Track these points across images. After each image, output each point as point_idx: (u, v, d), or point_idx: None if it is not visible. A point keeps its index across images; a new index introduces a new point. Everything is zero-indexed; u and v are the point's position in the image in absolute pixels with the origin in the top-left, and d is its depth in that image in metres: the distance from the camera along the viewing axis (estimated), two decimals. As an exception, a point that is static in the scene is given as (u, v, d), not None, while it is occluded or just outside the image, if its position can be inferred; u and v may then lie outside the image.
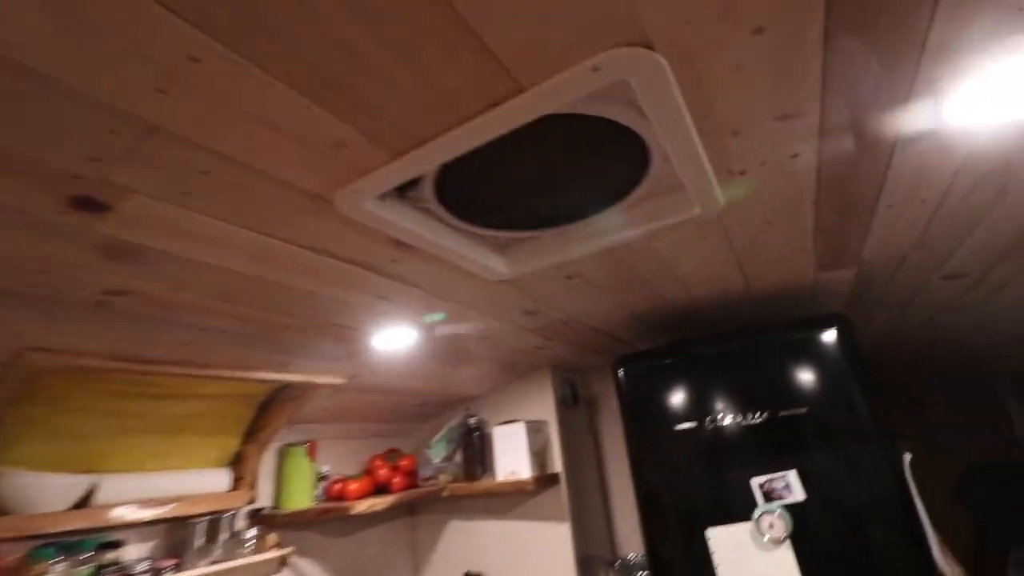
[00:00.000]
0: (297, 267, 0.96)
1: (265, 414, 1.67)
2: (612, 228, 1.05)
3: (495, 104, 0.63)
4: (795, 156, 0.80)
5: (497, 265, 1.15)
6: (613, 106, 0.73)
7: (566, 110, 0.72)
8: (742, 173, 0.84)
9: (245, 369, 1.36)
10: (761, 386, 1.41)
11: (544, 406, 2.08)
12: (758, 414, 1.37)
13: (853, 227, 1.11)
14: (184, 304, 0.99)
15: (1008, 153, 0.81)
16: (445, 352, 1.63)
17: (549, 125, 0.77)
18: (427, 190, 0.87)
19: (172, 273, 0.89)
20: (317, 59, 0.54)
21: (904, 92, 0.67)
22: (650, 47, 0.56)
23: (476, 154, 0.82)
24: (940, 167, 0.86)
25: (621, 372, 1.62)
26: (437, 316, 1.33)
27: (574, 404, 2.19)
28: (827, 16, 0.53)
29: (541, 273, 1.21)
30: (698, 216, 0.98)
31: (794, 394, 1.37)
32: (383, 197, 0.85)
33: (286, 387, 1.55)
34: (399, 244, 0.96)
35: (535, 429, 1.97)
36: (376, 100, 0.60)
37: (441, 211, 0.94)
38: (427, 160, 0.71)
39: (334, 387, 1.57)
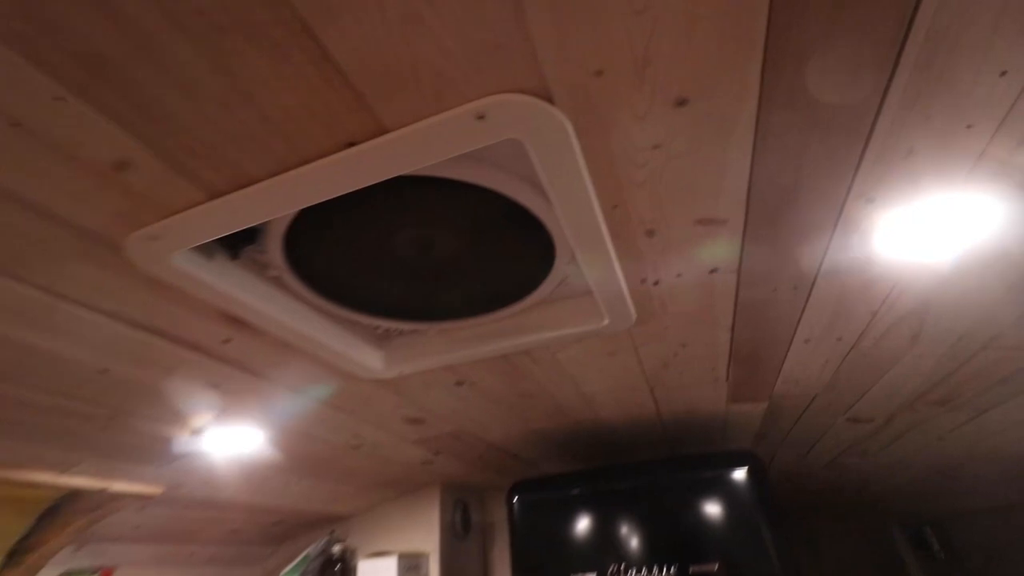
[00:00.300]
0: (79, 334, 0.70)
1: (42, 529, 1.24)
2: (509, 331, 0.90)
3: (350, 143, 0.47)
4: (714, 272, 0.71)
5: (371, 360, 0.94)
6: (512, 181, 0.60)
7: (458, 176, 0.58)
8: (656, 284, 0.73)
9: (10, 468, 1.00)
10: (671, 532, 1.23)
11: (428, 533, 1.75)
12: (667, 569, 1.17)
13: (768, 359, 1.03)
14: None
15: (927, 294, 0.76)
16: (303, 462, 1.33)
17: (440, 196, 0.63)
18: (275, 253, 0.68)
19: None
20: (70, 24, 0.36)
21: (836, 208, 0.59)
22: (549, 99, 0.44)
23: (346, 216, 0.66)
24: (860, 304, 0.80)
25: (515, 501, 1.38)
26: (303, 400, 1.07)
27: (464, 533, 1.88)
28: (761, 96, 0.44)
29: (426, 376, 1.01)
30: (607, 329, 0.85)
31: (705, 544, 1.20)
32: (204, 252, 0.64)
33: (74, 495, 1.17)
34: (233, 320, 0.74)
35: (411, 566, 1.63)
36: (172, 106, 0.43)
37: (295, 283, 0.75)
38: (261, 207, 0.53)
39: (145, 499, 1.21)
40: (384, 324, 0.89)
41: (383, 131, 0.46)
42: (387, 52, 0.40)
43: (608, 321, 0.83)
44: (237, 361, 0.84)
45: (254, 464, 1.27)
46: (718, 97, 0.44)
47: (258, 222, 0.56)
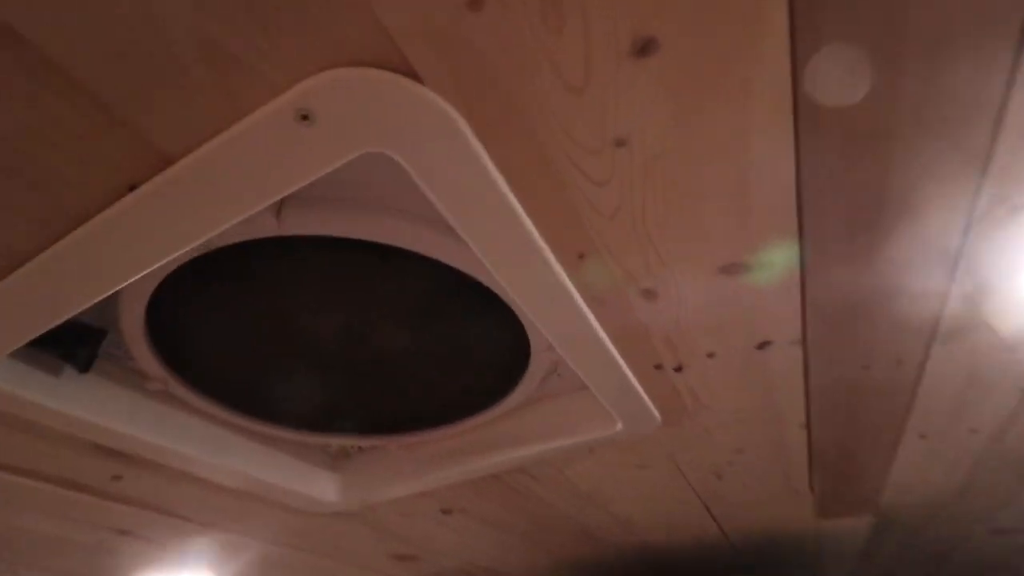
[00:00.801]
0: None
1: None
2: (491, 443, 0.67)
3: (131, 186, 0.30)
4: (765, 346, 0.47)
5: (323, 490, 0.73)
6: (442, 239, 0.41)
7: (365, 235, 0.40)
8: (678, 370, 0.50)
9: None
10: None
11: None
12: None
13: (868, 463, 0.73)
14: None
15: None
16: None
17: (357, 264, 0.45)
18: (142, 354, 0.50)
19: None
20: None
21: (958, 226, 0.36)
22: (412, 74, 0.26)
23: (235, 294, 0.48)
24: (1004, 379, 0.53)
25: (546, 661, 1.06)
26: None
27: None
28: (796, 29, 0.24)
29: (402, 504, 0.78)
30: (623, 435, 0.60)
31: None
32: (42, 365, 0.48)
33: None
34: (113, 452, 0.56)
35: None
36: None
37: (190, 395, 0.56)
38: (50, 294, 0.36)
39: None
40: (330, 440, 0.68)
41: (166, 161, 0.29)
42: (120, 34, 0.23)
43: (622, 426, 0.59)
44: (139, 501, 0.65)
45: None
46: (705, 33, 0.25)
47: (59, 317, 0.38)
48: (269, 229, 0.39)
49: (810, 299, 0.40)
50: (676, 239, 0.35)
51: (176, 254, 0.34)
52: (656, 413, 0.57)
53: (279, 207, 0.38)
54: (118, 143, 0.29)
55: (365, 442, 0.69)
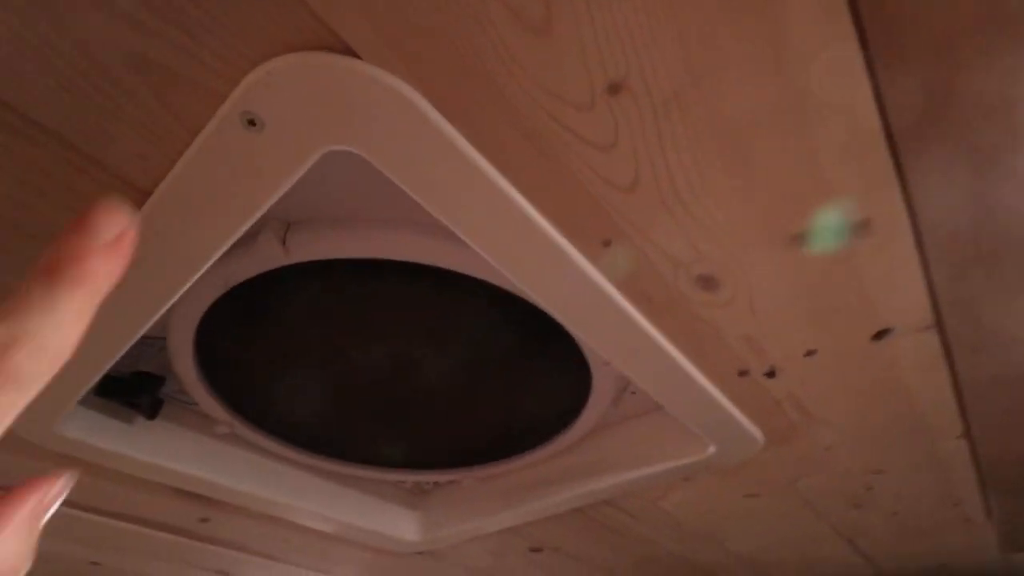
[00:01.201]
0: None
1: None
2: (569, 474, 0.60)
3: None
4: (882, 335, 0.36)
5: (403, 529, 0.70)
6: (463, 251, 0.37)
7: (390, 254, 0.37)
8: (770, 375, 0.40)
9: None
10: None
11: None
12: None
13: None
14: None
15: None
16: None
17: (394, 289, 0.42)
18: (203, 397, 0.51)
19: None
20: None
21: None
22: (348, 50, 0.22)
23: (281, 333, 0.48)
24: None
25: None
26: None
27: None
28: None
29: (487, 542, 0.73)
30: (720, 460, 0.51)
31: None
32: (114, 415, 0.50)
33: None
34: (191, 495, 0.58)
35: None
36: None
37: (257, 436, 0.57)
38: (87, 350, 0.37)
39: None
40: (404, 476, 0.66)
41: (145, 197, 0.28)
42: (59, 67, 0.22)
43: (715, 448, 0.49)
44: (228, 542, 0.66)
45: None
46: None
47: (98, 369, 0.39)
48: (277, 259, 0.37)
49: (934, 266, 0.29)
50: (721, 205, 0.27)
51: (176, 294, 0.33)
52: (755, 431, 0.47)
53: (284, 234, 0.37)
54: (96, 183, 0.28)
55: (440, 477, 0.66)
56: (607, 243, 0.29)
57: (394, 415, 0.57)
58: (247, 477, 0.58)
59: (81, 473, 0.53)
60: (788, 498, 0.60)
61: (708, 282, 0.31)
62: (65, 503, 0.50)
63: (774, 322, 0.34)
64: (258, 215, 0.28)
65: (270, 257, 0.37)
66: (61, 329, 0.14)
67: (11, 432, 0.33)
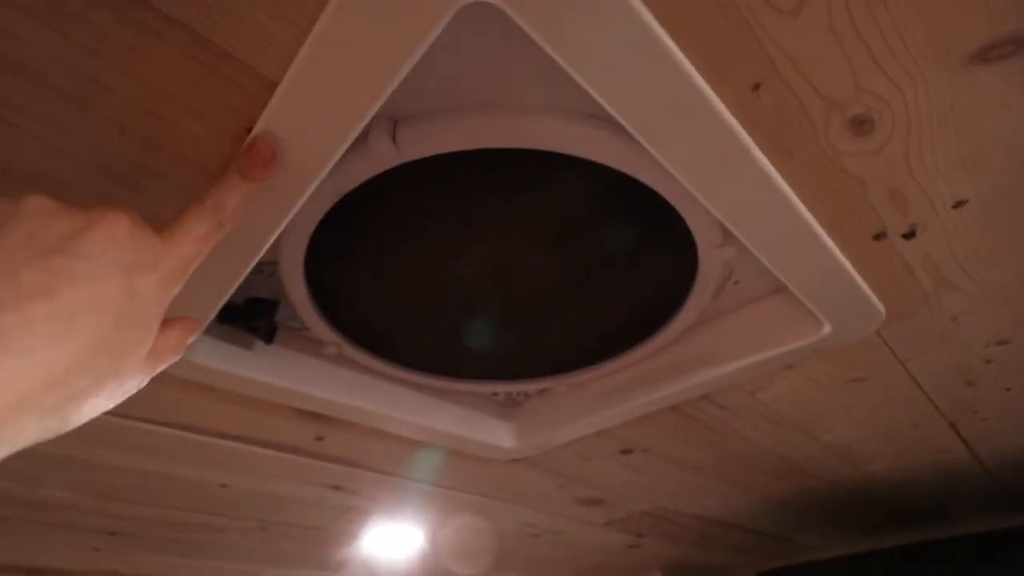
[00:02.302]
0: (178, 452, 0.64)
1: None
2: (666, 371, 0.60)
3: (249, 127, 0.29)
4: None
5: (500, 438, 0.73)
6: (573, 128, 0.35)
7: (503, 141, 0.36)
8: (909, 235, 0.37)
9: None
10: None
11: (658, 633, 1.40)
12: None
13: None
14: (60, 504, 0.71)
15: None
16: (474, 556, 1.15)
17: (497, 184, 0.41)
18: (314, 322, 0.53)
19: (17, 468, 0.62)
20: None
21: None
22: None
23: (387, 249, 0.48)
24: None
25: (763, 603, 0.98)
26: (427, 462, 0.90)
27: (709, 631, 1.46)
28: None
29: (578, 447, 0.75)
30: (832, 342, 0.49)
31: None
32: (236, 341, 0.52)
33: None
34: (313, 415, 0.61)
35: None
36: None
37: (363, 356, 0.58)
38: (235, 243, 0.38)
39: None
40: (498, 387, 0.67)
41: (271, 89, 0.27)
42: None
43: (830, 328, 0.48)
44: (342, 459, 0.71)
45: (436, 565, 1.14)
46: None
47: (226, 290, 0.41)
48: (389, 158, 0.36)
49: None
50: (899, 21, 0.24)
51: (302, 197, 0.33)
52: (879, 304, 0.45)
53: (393, 130, 0.36)
54: (227, 80, 0.27)
55: (531, 386, 0.67)
56: (756, 87, 0.27)
57: (491, 326, 0.58)
58: (355, 394, 0.60)
59: (210, 399, 0.56)
60: (896, 379, 0.58)
61: (863, 125, 0.29)
62: (196, 430, 0.53)
63: (927, 167, 0.31)
64: (388, 92, 0.27)
65: (381, 156, 0.36)
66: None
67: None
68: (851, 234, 0.37)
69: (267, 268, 0.49)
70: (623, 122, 0.29)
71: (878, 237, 0.37)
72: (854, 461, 0.83)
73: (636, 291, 0.54)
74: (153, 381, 0.54)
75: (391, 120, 0.36)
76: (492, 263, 0.50)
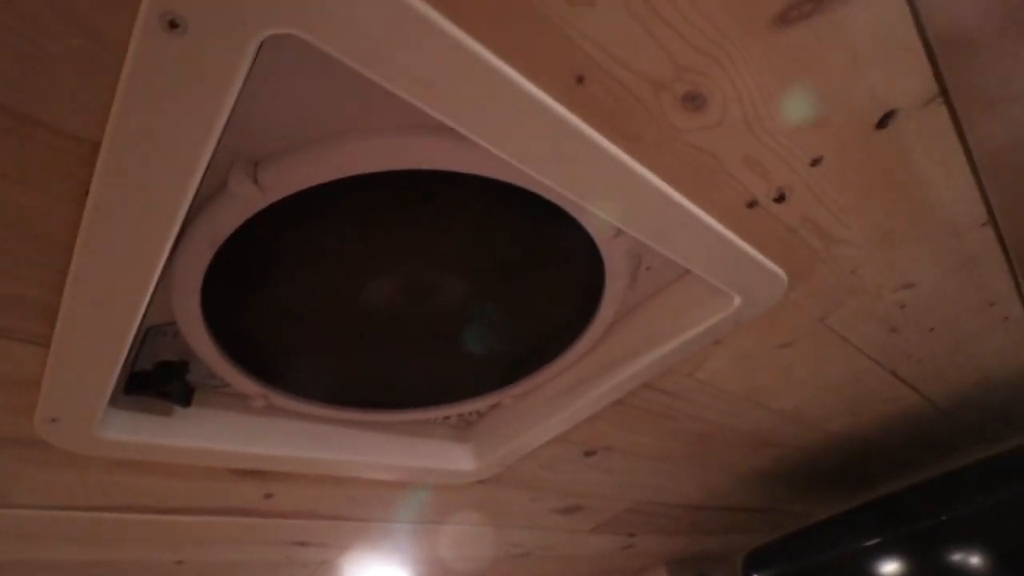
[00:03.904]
0: (122, 535, 0.61)
1: None
2: (601, 367, 0.60)
3: (85, 191, 0.29)
4: (886, 120, 0.34)
5: (459, 461, 0.72)
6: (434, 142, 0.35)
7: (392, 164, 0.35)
8: (780, 199, 0.38)
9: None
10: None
11: (670, 630, 1.38)
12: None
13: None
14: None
15: None
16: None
17: (388, 203, 0.41)
18: (235, 379, 0.51)
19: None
20: None
21: None
22: None
23: (288, 282, 0.47)
24: None
25: (756, 580, 0.97)
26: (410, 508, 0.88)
27: (720, 618, 1.45)
28: None
29: (539, 457, 0.75)
30: (747, 312, 0.50)
31: None
32: (152, 410, 0.50)
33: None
34: (251, 473, 0.59)
35: None
36: None
37: (295, 403, 0.57)
38: (103, 327, 0.37)
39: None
40: (443, 411, 0.66)
41: (96, 148, 0.27)
42: None
43: (740, 299, 0.49)
44: (297, 512, 0.68)
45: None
46: None
47: (113, 362, 0.39)
48: (254, 201, 0.36)
49: (927, 22, 0.27)
50: (693, 1, 0.25)
51: (162, 253, 0.32)
52: (777, 270, 0.46)
53: (254, 172, 0.35)
54: (46, 147, 0.27)
55: (477, 404, 0.66)
56: (580, 79, 0.27)
57: (419, 351, 0.57)
58: (296, 443, 0.59)
59: (140, 474, 0.54)
60: (822, 338, 0.60)
61: (695, 100, 0.29)
62: (135, 509, 0.51)
63: (772, 132, 0.32)
64: (215, 134, 0.27)
65: (246, 200, 0.35)
66: None
67: (55, 450, 0.33)
68: (724, 207, 0.37)
69: (169, 329, 0.48)
70: (463, 131, 0.29)
71: (751, 205, 0.38)
72: (811, 424, 0.84)
73: (555, 294, 0.54)
74: (75, 466, 0.51)
75: (251, 163, 0.36)
76: (399, 287, 0.49)
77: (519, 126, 0.29)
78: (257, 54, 0.26)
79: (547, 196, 0.41)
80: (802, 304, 0.52)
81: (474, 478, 0.73)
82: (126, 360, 0.48)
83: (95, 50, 0.23)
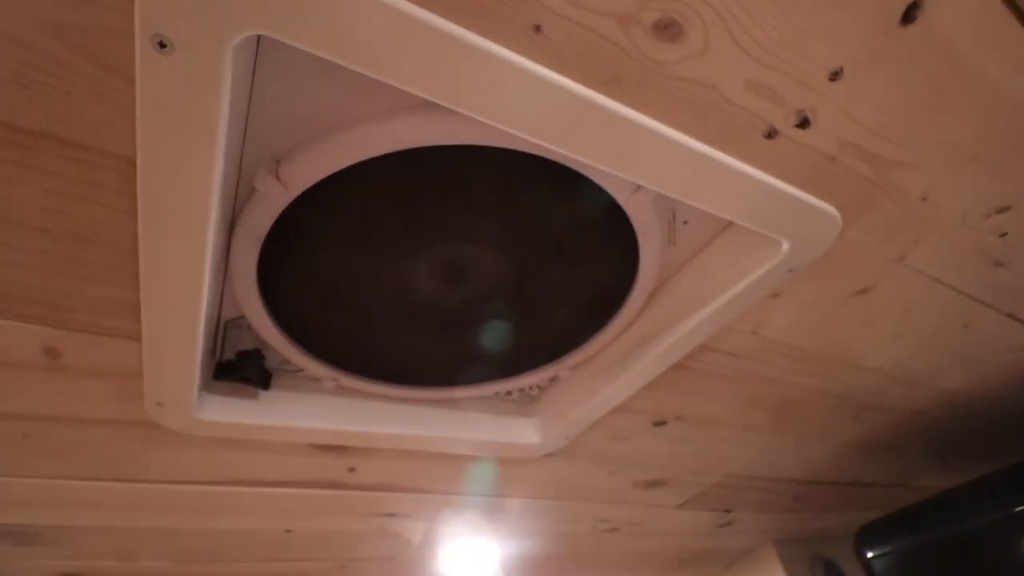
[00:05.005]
0: (232, 507, 0.70)
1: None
2: (652, 331, 0.58)
3: (133, 212, 0.33)
4: (911, 13, 0.29)
5: (525, 435, 0.73)
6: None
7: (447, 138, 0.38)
8: (803, 124, 0.35)
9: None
10: None
11: (785, 612, 1.30)
12: None
13: None
14: (156, 574, 0.80)
15: None
16: (564, 560, 1.14)
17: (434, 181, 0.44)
18: (304, 363, 0.57)
19: (93, 545, 0.71)
20: None
21: None
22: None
23: (336, 271, 0.51)
24: None
25: (870, 556, 0.89)
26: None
27: (843, 601, 1.34)
28: None
29: (607, 430, 0.74)
30: (800, 256, 0.46)
31: None
32: (239, 394, 0.57)
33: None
34: (334, 448, 0.65)
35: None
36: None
37: (362, 383, 0.62)
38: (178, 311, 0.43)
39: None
40: (504, 386, 0.68)
41: (131, 165, 0.31)
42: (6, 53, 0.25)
43: (788, 244, 0.45)
44: (381, 485, 0.74)
45: (527, 570, 1.14)
46: None
47: (191, 350, 0.45)
48: (281, 196, 0.40)
49: None
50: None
51: (205, 251, 0.36)
52: (825, 206, 0.42)
53: (276, 169, 0.39)
54: (97, 167, 0.31)
55: (534, 378, 0.67)
56: (537, 28, 0.27)
57: (469, 330, 0.59)
58: (367, 420, 0.64)
59: (238, 452, 0.62)
60: (905, 281, 0.53)
61: (669, 29, 0.28)
62: (238, 483, 0.58)
63: (770, 51, 0.30)
64: (222, 135, 0.30)
65: (273, 197, 0.39)
66: None
67: (166, 431, 0.40)
68: (739, 141, 0.35)
69: (242, 322, 0.54)
70: (438, 100, 0.30)
71: (771, 135, 0.35)
72: (921, 383, 0.74)
73: (593, 259, 0.53)
74: (184, 445, 0.59)
75: (273, 161, 0.39)
76: (438, 266, 0.52)
77: (490, 86, 0.29)
78: (255, 58, 0.29)
79: (556, 159, 0.40)
80: (868, 243, 0.47)
81: (542, 451, 0.75)
82: (213, 351, 0.56)
83: (112, 79, 0.28)
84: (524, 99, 0.30)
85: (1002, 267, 0.52)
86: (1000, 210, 0.45)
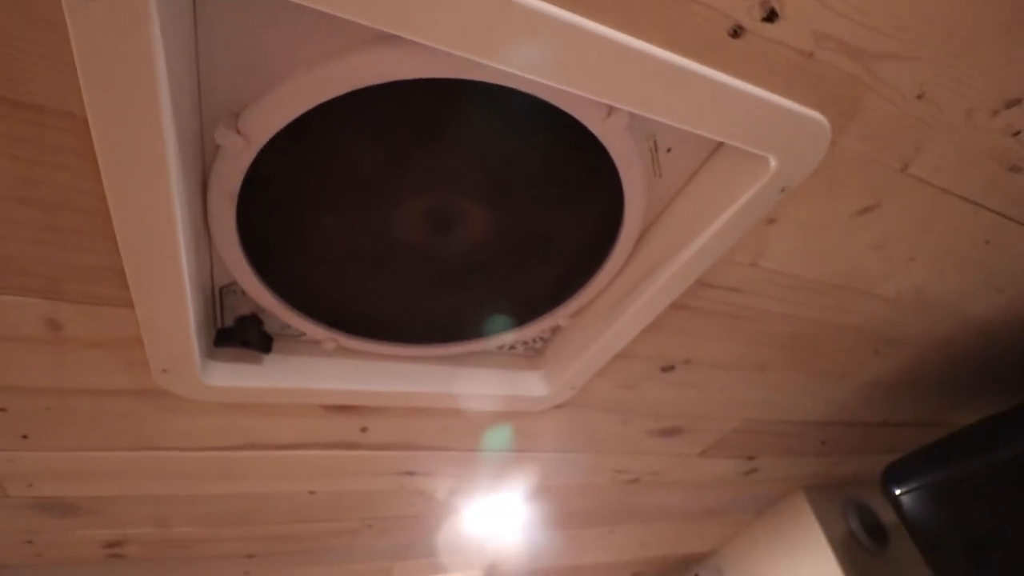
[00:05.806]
0: (254, 470, 0.73)
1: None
2: (645, 271, 0.57)
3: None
4: None
5: (532, 387, 0.74)
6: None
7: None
8: (770, 17, 0.32)
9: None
10: None
11: (816, 556, 1.29)
12: None
13: None
14: (193, 538, 0.85)
15: None
16: (594, 513, 1.15)
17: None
18: (304, 326, 0.58)
19: (131, 514, 0.75)
20: None
21: None
22: None
23: (317, 228, 0.51)
24: None
25: (898, 493, 0.87)
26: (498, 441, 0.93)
27: (879, 544, 1.32)
28: None
29: (613, 377, 0.73)
30: (792, 176, 0.43)
31: None
32: (244, 359, 0.58)
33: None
34: (343, 408, 0.66)
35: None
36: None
37: (361, 343, 0.63)
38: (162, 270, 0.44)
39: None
40: (505, 339, 0.68)
41: (84, 121, 0.31)
42: None
43: (776, 160, 0.42)
44: (395, 444, 0.76)
45: (553, 524, 1.16)
46: None
47: (183, 316, 0.46)
48: (244, 149, 0.39)
49: None
50: None
51: (172, 201, 0.37)
52: (809, 112, 0.39)
53: (235, 123, 0.38)
54: (51, 129, 0.32)
55: (535, 329, 0.67)
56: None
57: (461, 283, 0.59)
58: (371, 379, 0.65)
59: (250, 416, 0.63)
60: (913, 195, 0.49)
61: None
62: (253, 447, 0.60)
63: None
64: (163, 82, 0.30)
65: (236, 150, 0.39)
66: None
67: (177, 397, 0.41)
68: (701, 43, 0.32)
69: (236, 288, 0.55)
70: (398, 33, 0.29)
71: (736, 33, 0.32)
72: (944, 310, 0.71)
73: (580, 199, 0.52)
74: (197, 412, 0.61)
75: (232, 115, 0.39)
76: (427, 214, 0.51)
77: (442, 13, 0.28)
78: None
79: (521, 88, 0.39)
80: (864, 153, 0.44)
81: (550, 403, 0.75)
82: (214, 318, 0.57)
83: (49, 35, 0.27)
84: (473, 17, 0.28)
85: (1020, 172, 0.48)
86: (1010, 104, 0.41)
